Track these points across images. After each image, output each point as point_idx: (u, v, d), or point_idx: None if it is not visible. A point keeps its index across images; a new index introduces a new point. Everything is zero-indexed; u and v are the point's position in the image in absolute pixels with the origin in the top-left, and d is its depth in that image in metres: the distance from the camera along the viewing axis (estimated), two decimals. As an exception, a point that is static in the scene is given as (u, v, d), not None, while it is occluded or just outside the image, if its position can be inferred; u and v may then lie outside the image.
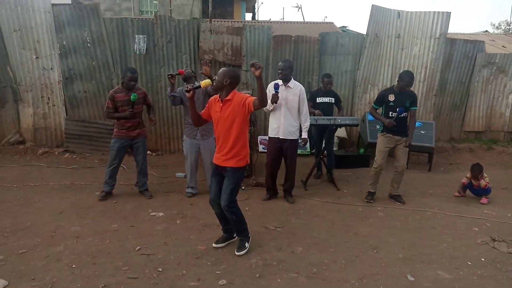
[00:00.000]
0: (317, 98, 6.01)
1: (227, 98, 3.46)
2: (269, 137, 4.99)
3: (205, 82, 3.45)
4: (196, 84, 3.54)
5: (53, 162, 6.47)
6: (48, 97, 6.93)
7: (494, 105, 8.10)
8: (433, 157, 6.91)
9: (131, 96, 4.69)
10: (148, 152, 6.99)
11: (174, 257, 3.53)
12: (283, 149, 4.88)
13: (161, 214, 4.54)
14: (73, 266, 3.33)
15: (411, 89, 4.95)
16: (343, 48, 7.38)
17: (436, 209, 4.89)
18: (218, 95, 3.56)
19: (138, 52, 6.83)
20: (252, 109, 3.43)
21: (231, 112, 3.45)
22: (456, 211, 4.84)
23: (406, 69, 7.50)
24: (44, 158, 6.64)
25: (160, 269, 3.30)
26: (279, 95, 4.67)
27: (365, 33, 7.52)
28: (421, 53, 7.49)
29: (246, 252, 3.63)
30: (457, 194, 5.45)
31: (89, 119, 7.06)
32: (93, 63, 6.84)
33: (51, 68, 6.82)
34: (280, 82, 4.84)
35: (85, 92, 6.97)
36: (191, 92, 3.44)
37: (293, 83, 4.91)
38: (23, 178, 5.74)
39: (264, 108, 4.76)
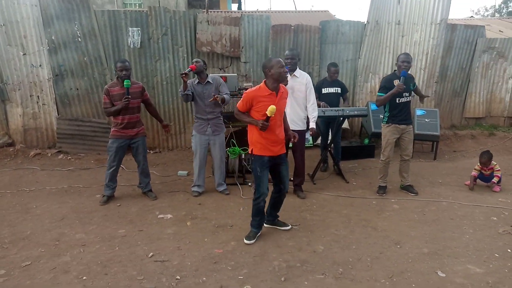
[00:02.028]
0: (323, 89, 5.82)
1: (282, 90, 3.59)
2: None
3: (271, 110, 3.34)
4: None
5: (47, 164, 6.15)
6: (38, 96, 6.57)
7: (494, 91, 8.04)
8: (438, 145, 6.82)
9: (124, 83, 4.40)
10: (146, 150, 6.73)
11: (190, 263, 3.32)
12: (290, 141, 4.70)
13: (169, 216, 4.31)
14: (84, 277, 3.10)
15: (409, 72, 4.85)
16: (344, 36, 7.19)
17: (451, 199, 4.78)
18: (265, 88, 3.50)
19: (132, 45, 6.52)
20: None
21: (284, 102, 3.68)
22: (471, 201, 4.74)
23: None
24: (37, 160, 6.31)
25: (178, 277, 3.10)
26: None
27: (364, 21, 7.34)
28: (422, 39, 7.33)
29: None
30: (467, 183, 5.34)
31: (82, 117, 6.74)
32: (85, 59, 6.50)
33: (40, 65, 6.45)
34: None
35: (77, 89, 6.64)
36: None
37: (299, 72, 4.73)
38: (17, 182, 5.42)
39: None
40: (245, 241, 3.68)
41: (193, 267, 3.25)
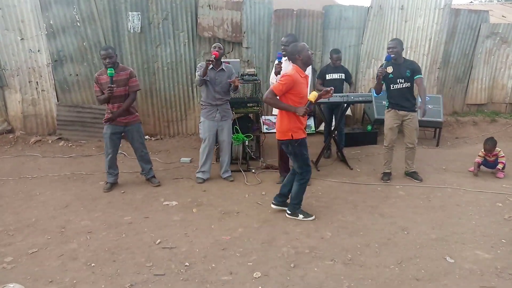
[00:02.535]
0: (327, 75, 5.77)
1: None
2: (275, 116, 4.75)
3: (314, 96, 3.57)
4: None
5: (48, 152, 6.08)
6: (37, 82, 6.46)
7: (497, 77, 7.99)
8: (441, 131, 6.80)
9: (108, 71, 4.25)
10: (147, 137, 6.67)
11: (198, 250, 3.31)
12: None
13: (174, 203, 4.29)
14: (92, 264, 3.09)
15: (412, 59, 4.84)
16: (347, 21, 7.09)
17: (455, 186, 4.79)
18: (301, 71, 3.65)
19: (132, 30, 6.39)
20: None
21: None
22: (476, 187, 4.75)
23: (410, 42, 7.32)
24: (38, 147, 6.23)
25: (187, 264, 3.09)
26: (284, 70, 4.48)
27: (367, 6, 7.22)
28: (425, 25, 7.25)
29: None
30: (471, 169, 5.34)
31: (82, 104, 6.64)
32: (84, 44, 6.37)
33: (38, 50, 6.32)
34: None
35: (77, 75, 6.53)
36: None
37: None
38: (19, 169, 5.36)
39: (271, 82, 4.58)
40: (309, 218, 3.84)
41: (202, 254, 3.24)
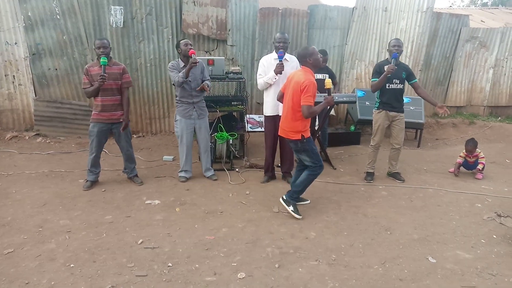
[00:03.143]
0: (309, 75, 5.76)
1: None
2: (265, 116, 4.72)
3: (329, 81, 3.78)
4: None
5: (25, 148, 5.88)
6: (13, 76, 6.24)
7: (475, 80, 8.20)
8: (422, 133, 6.92)
9: (101, 60, 4.16)
10: (129, 134, 6.53)
11: (182, 250, 3.25)
12: None
13: (157, 202, 4.21)
14: (71, 265, 2.99)
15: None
16: (332, 21, 7.13)
17: (436, 186, 4.87)
18: (312, 73, 3.77)
19: (114, 25, 6.25)
20: None
21: None
22: (456, 188, 4.84)
23: (393, 43, 7.41)
24: (14, 144, 6.03)
25: (170, 264, 3.03)
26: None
27: (352, 6, 7.28)
28: (408, 27, 7.37)
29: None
30: (452, 170, 5.45)
31: (61, 99, 6.46)
32: (64, 37, 6.19)
33: (15, 43, 6.11)
34: (275, 55, 4.59)
35: (56, 69, 6.34)
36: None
37: (288, 56, 4.65)
38: (-7, 166, 5.17)
39: (265, 82, 4.50)
40: (297, 216, 3.89)
41: (185, 254, 3.18)
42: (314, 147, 3.92)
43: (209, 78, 4.81)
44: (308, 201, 4.21)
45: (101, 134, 4.45)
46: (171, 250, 3.25)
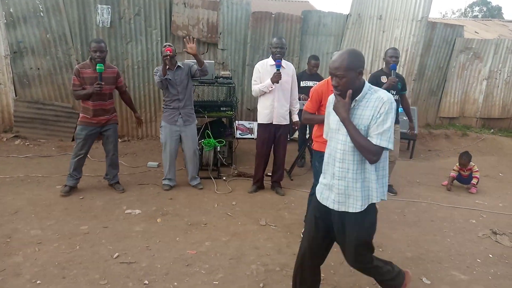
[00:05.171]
0: (301, 82, 5.61)
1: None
2: (259, 124, 4.52)
3: None
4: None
5: (1, 150, 5.59)
6: (-7, 74, 5.97)
7: (469, 91, 8.12)
8: (415, 144, 6.79)
9: (97, 67, 3.97)
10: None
11: (160, 265, 3.03)
12: (275, 136, 4.46)
13: (137, 211, 3.98)
14: (38, 281, 2.75)
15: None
16: (325, 28, 6.99)
17: (429, 200, 4.72)
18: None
19: (101, 24, 6.02)
20: None
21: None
22: (449, 202, 4.69)
23: (387, 52, 7.31)
24: (-10, 145, 5.75)
25: (146, 282, 2.81)
26: (271, 75, 4.28)
27: (346, 13, 7.16)
28: (402, 36, 7.24)
29: None
30: (445, 183, 5.31)
31: (43, 100, 6.19)
32: (47, 36, 5.95)
33: (-4, 40, 5.86)
34: (272, 61, 4.42)
35: (38, 69, 6.08)
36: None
37: (285, 62, 4.47)
38: (-34, 169, 4.89)
39: (260, 90, 4.31)
40: None
41: (163, 270, 2.96)
42: (318, 165, 3.49)
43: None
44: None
45: (89, 138, 4.24)
46: (149, 265, 3.02)
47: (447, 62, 7.79)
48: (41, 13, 5.82)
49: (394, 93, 4.65)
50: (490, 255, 3.48)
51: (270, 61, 4.37)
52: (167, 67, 4.23)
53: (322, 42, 7.06)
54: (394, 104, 2.12)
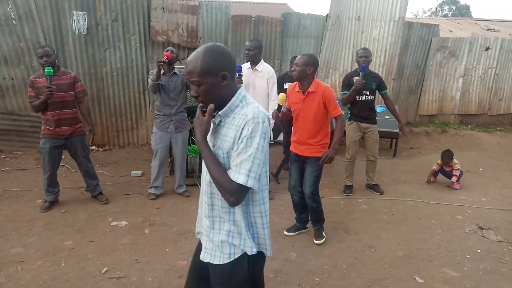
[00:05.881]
0: (284, 84, 5.59)
1: (311, 90, 3.37)
2: None
3: (280, 98, 3.30)
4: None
5: (-24, 164, 5.37)
6: (-36, 86, 5.72)
7: (446, 89, 8.29)
8: (397, 142, 6.88)
9: (45, 70, 3.75)
10: (94, 148, 6.13)
11: (151, 278, 2.95)
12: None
13: (124, 223, 3.86)
14: (22, 303, 2.62)
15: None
16: (305, 30, 7.00)
17: (416, 198, 4.78)
18: (296, 84, 3.48)
19: (77, 31, 5.85)
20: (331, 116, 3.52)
21: (317, 104, 3.38)
22: (435, 199, 4.76)
23: (366, 53, 7.39)
24: (-37, 160, 5.50)
25: (138, 297, 2.71)
26: (245, 78, 4.26)
27: (325, 14, 7.20)
28: (381, 36, 7.36)
29: (324, 241, 3.58)
30: (428, 180, 5.39)
31: (18, 111, 5.96)
32: (21, 44, 5.73)
33: (-34, 50, 5.61)
34: (248, 64, 4.43)
35: (12, 79, 5.85)
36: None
37: (261, 65, 4.46)
38: None
39: None
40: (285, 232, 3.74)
41: (155, 284, 2.88)
42: (293, 167, 3.72)
43: None
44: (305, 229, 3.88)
45: (54, 151, 4.02)
46: (139, 279, 2.93)
47: (424, 61, 7.93)
48: (13, 20, 5.60)
49: (368, 93, 4.69)
50: (479, 250, 3.54)
51: (247, 64, 4.38)
52: (162, 72, 4.15)
53: (303, 44, 7.08)
54: (266, 123, 1.58)
